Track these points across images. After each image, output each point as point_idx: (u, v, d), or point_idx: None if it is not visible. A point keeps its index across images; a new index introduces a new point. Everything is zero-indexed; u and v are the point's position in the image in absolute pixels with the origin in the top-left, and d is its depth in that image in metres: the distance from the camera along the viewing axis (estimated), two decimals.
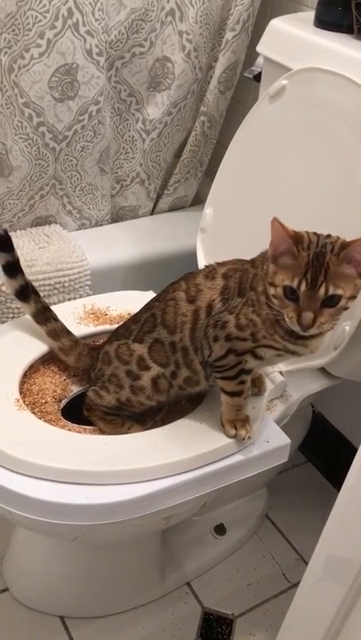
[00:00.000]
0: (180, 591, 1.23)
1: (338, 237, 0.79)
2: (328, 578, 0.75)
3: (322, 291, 0.76)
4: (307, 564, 0.74)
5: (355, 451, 0.65)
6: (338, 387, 1.14)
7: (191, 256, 1.25)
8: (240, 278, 0.86)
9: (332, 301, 0.77)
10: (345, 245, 0.77)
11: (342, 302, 0.77)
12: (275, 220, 0.77)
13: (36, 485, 0.84)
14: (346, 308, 0.78)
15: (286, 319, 0.78)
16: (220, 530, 1.29)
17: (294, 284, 0.76)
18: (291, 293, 0.77)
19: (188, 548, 1.26)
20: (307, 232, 0.80)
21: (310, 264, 0.76)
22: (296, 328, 0.78)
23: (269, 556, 1.32)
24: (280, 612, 1.20)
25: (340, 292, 0.76)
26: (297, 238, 0.77)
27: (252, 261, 0.87)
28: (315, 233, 0.80)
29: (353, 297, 0.78)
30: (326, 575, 0.75)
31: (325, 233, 0.81)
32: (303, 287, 0.76)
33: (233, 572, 1.28)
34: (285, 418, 1.09)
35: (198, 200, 1.61)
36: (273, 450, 0.96)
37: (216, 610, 1.20)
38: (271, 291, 0.79)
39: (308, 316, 0.76)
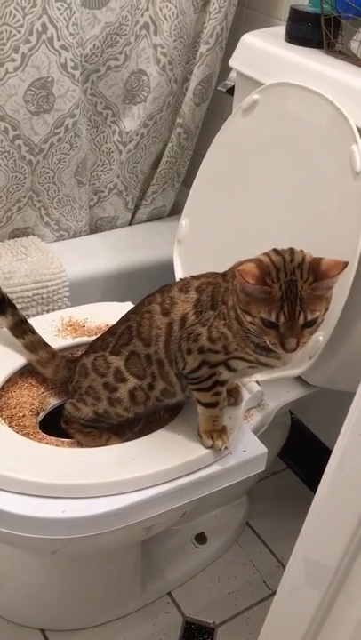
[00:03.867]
0: (162, 601, 1.23)
1: (303, 254, 0.79)
2: (304, 583, 0.75)
3: (301, 319, 0.76)
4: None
5: None
6: (316, 393, 1.15)
7: (170, 266, 1.26)
8: (212, 292, 0.87)
9: (310, 324, 0.78)
10: (312, 267, 0.77)
11: (319, 320, 0.79)
12: (237, 272, 0.76)
13: (13, 500, 0.84)
14: (322, 320, 0.80)
15: (269, 344, 0.79)
16: (200, 539, 1.30)
17: (272, 318, 0.77)
18: (270, 323, 0.78)
19: (168, 557, 1.26)
20: (269, 256, 0.79)
21: (284, 296, 0.76)
22: (280, 351, 0.79)
23: (250, 563, 1.33)
24: (261, 619, 1.20)
25: (316, 314, 0.77)
26: (263, 275, 0.76)
27: (224, 275, 0.88)
28: (276, 252, 0.80)
29: (326, 309, 0.79)
30: (303, 581, 0.75)
31: (297, 242, 0.81)
32: (282, 320, 0.76)
33: (214, 580, 1.28)
34: (263, 427, 1.10)
35: (176, 210, 1.62)
36: (250, 459, 0.96)
37: (197, 619, 1.21)
38: (248, 318, 0.79)
39: (291, 341, 0.77)
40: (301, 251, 0.80)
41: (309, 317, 0.77)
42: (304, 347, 0.80)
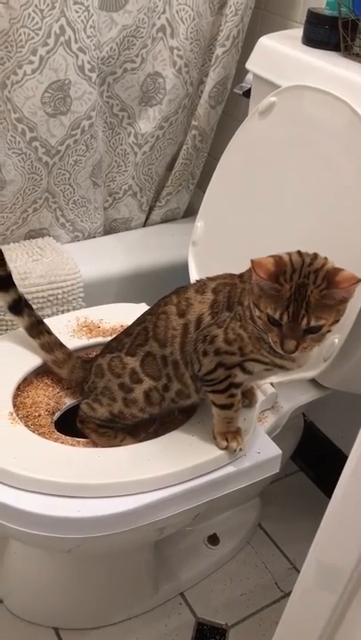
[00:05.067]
0: (174, 601, 1.23)
1: (324, 262, 0.79)
2: (319, 586, 0.75)
3: (304, 323, 0.77)
4: (299, 573, 0.75)
5: (346, 460, 0.66)
6: (329, 396, 1.15)
7: (184, 268, 1.27)
8: (229, 293, 0.88)
9: (314, 330, 0.78)
10: (328, 275, 0.77)
11: (324, 329, 0.78)
12: (252, 263, 0.77)
13: (29, 498, 0.85)
14: (329, 331, 0.79)
15: (271, 342, 0.80)
16: (213, 540, 1.30)
17: (276, 316, 0.77)
18: (274, 321, 0.78)
19: (181, 558, 1.27)
20: (290, 256, 0.79)
21: (292, 297, 0.76)
22: (280, 351, 0.79)
23: (262, 565, 1.33)
24: (273, 621, 1.21)
25: (322, 322, 0.77)
26: (278, 271, 0.77)
27: (241, 276, 0.89)
28: (299, 254, 0.80)
29: (336, 321, 0.79)
30: (317, 584, 0.75)
31: (313, 245, 0.81)
32: (285, 319, 0.77)
33: (226, 581, 1.28)
34: (277, 429, 1.10)
35: (191, 212, 1.63)
36: (264, 461, 0.97)
37: (210, 620, 1.21)
38: (256, 312, 0.80)
39: (290, 343, 0.78)
40: (325, 258, 0.80)
41: (313, 323, 0.77)
42: (306, 352, 0.80)
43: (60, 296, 1.32)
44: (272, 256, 0.79)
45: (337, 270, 0.78)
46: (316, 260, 0.79)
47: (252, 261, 0.77)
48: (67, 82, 1.24)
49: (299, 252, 0.80)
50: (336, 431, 1.47)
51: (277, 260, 0.78)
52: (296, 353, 0.79)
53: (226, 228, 1.19)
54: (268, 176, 1.09)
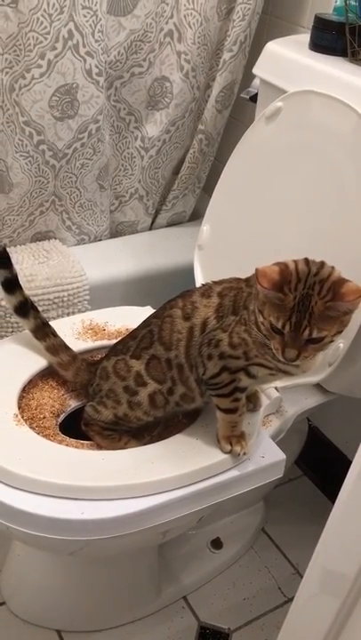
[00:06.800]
0: (177, 605, 1.23)
1: (330, 272, 0.78)
2: (322, 592, 0.75)
3: (305, 333, 0.77)
4: (303, 577, 0.75)
5: (350, 464, 0.66)
6: (334, 401, 1.15)
7: (189, 271, 1.27)
8: (235, 297, 0.88)
9: (316, 341, 0.78)
10: (334, 286, 0.76)
11: (327, 339, 0.78)
12: (256, 272, 0.77)
13: (33, 500, 0.85)
14: (332, 341, 0.79)
15: (273, 349, 0.80)
16: (216, 544, 1.30)
17: (279, 325, 0.77)
18: (276, 329, 0.78)
19: (184, 562, 1.27)
20: (296, 264, 0.79)
21: (295, 308, 0.76)
22: (281, 359, 0.79)
23: (265, 570, 1.32)
24: (276, 626, 1.21)
25: (324, 333, 0.77)
26: (282, 281, 0.77)
27: (247, 280, 0.89)
28: (306, 262, 0.80)
29: (339, 332, 0.79)
30: (321, 589, 0.75)
31: (318, 251, 0.81)
32: (287, 329, 0.77)
33: (229, 586, 1.28)
34: (281, 433, 1.10)
35: (196, 215, 1.63)
36: (268, 465, 0.97)
37: (212, 624, 1.21)
38: (260, 318, 0.80)
39: (291, 352, 0.78)
40: (333, 267, 0.79)
41: (315, 334, 0.77)
42: (307, 360, 0.80)
43: (65, 298, 1.33)
44: (278, 263, 0.79)
45: (343, 281, 0.77)
46: (323, 269, 0.79)
47: (256, 270, 0.77)
48: (74, 86, 1.25)
49: (306, 261, 0.80)
50: (340, 436, 1.46)
51: (283, 268, 0.78)
52: (297, 361, 0.79)
53: (232, 232, 1.19)
54: (273, 180, 1.09)
